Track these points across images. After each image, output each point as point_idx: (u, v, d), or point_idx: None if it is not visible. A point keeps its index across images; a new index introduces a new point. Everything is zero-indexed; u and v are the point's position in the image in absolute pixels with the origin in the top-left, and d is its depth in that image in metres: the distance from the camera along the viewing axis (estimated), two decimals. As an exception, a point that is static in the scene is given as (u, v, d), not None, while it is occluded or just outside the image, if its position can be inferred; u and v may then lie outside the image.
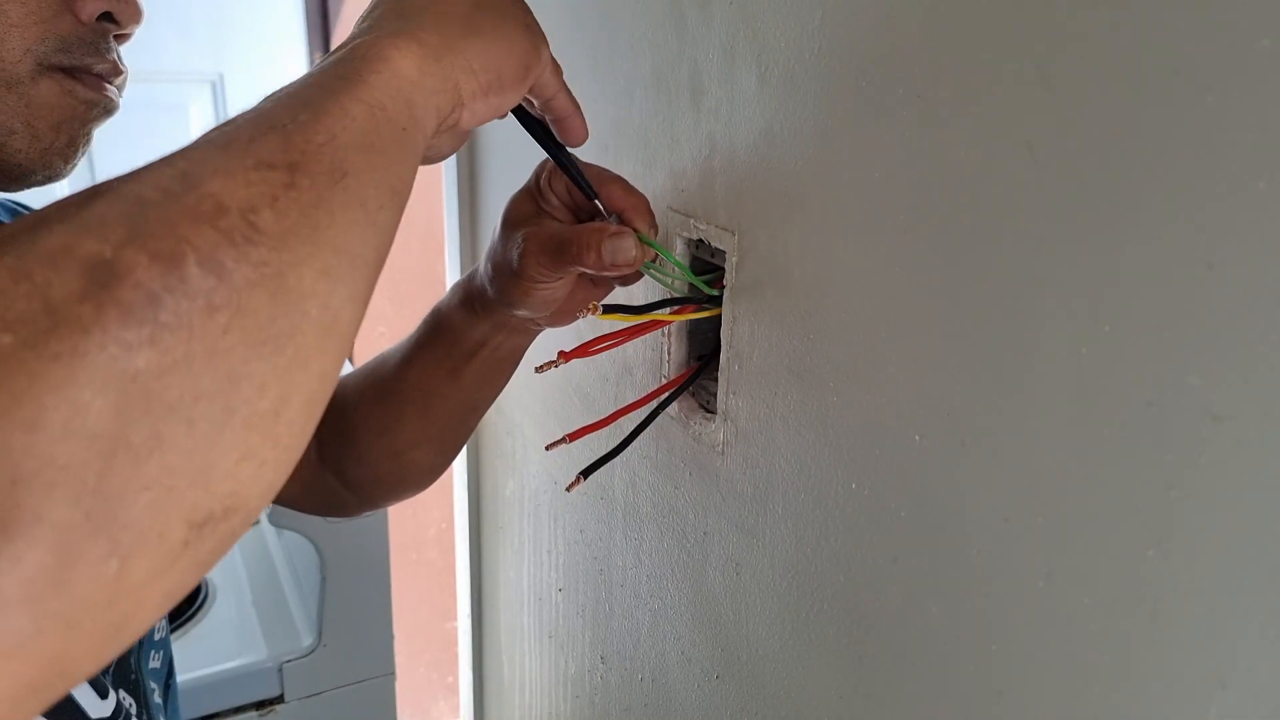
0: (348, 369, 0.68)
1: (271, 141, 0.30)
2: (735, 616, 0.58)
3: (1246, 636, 0.29)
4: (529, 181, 0.55)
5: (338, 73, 0.34)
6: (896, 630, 0.44)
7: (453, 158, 1.01)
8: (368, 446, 0.64)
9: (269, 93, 0.34)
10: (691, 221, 0.57)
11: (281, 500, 0.69)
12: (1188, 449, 0.30)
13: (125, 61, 0.48)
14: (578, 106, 0.51)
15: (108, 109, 0.48)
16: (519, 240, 0.51)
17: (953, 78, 0.38)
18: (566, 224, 0.53)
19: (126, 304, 0.23)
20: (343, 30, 2.15)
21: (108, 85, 0.47)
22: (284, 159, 0.30)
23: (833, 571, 0.48)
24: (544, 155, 0.52)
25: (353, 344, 0.32)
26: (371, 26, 0.38)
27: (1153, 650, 0.32)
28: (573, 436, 0.57)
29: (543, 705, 0.97)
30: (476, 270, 0.57)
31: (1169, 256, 0.30)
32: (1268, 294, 0.27)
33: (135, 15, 0.48)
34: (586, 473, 0.56)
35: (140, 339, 0.23)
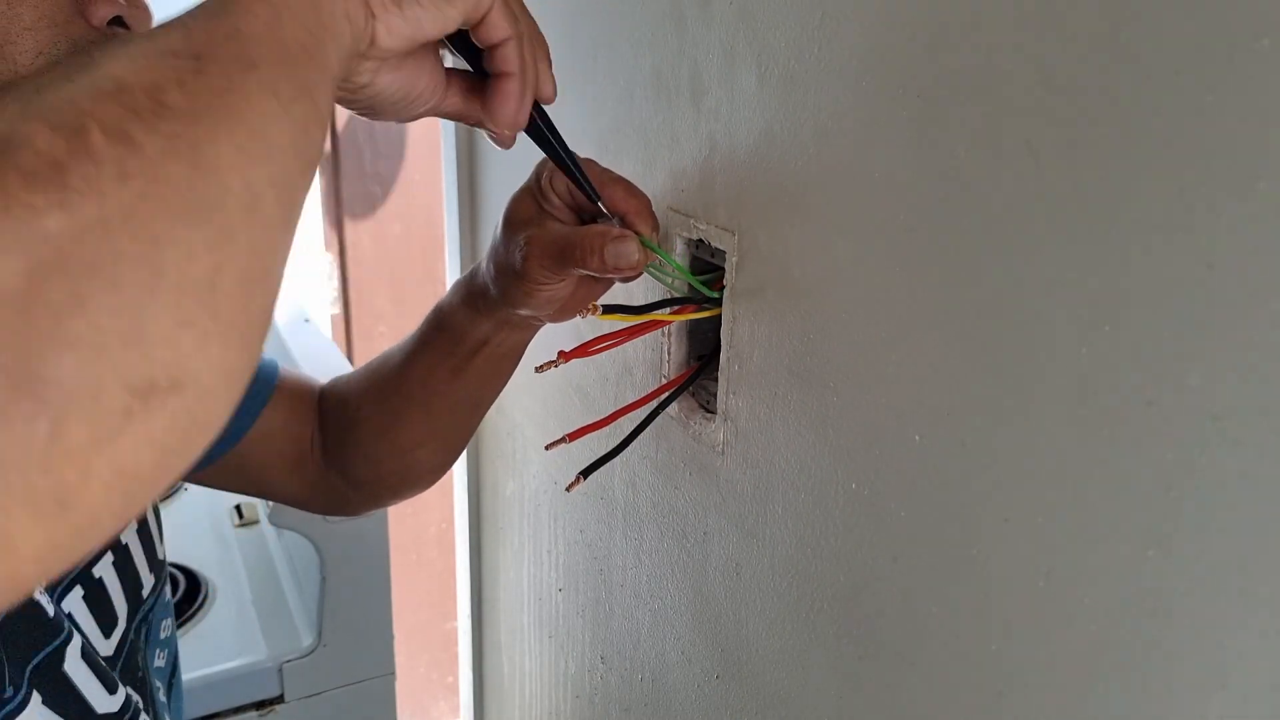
0: (349, 368, 0.69)
1: (175, 34, 0.29)
2: (735, 616, 0.58)
3: (1246, 636, 0.29)
4: (529, 181, 0.55)
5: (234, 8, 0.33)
6: (896, 630, 0.44)
7: (452, 158, 1.01)
8: (373, 445, 0.64)
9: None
10: (691, 221, 0.57)
11: (287, 499, 0.70)
12: (1188, 449, 0.30)
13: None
14: (531, 70, 0.46)
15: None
16: (521, 242, 0.51)
17: (953, 77, 0.38)
18: (569, 225, 0.53)
19: (28, 170, 0.23)
20: (343, 30, 2.15)
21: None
22: (189, 48, 0.29)
23: (833, 571, 0.48)
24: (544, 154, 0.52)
25: (288, 237, 0.31)
26: None
27: (1153, 650, 0.32)
28: (573, 436, 0.57)
29: (543, 705, 0.97)
30: (478, 269, 0.57)
31: (1169, 256, 0.30)
32: (1268, 294, 0.27)
33: (146, 19, 0.47)
34: (586, 473, 0.56)
35: (48, 203, 0.23)
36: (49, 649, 0.42)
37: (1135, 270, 0.31)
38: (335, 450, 0.66)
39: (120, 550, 0.50)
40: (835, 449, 0.47)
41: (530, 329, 0.58)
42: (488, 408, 0.63)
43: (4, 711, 0.40)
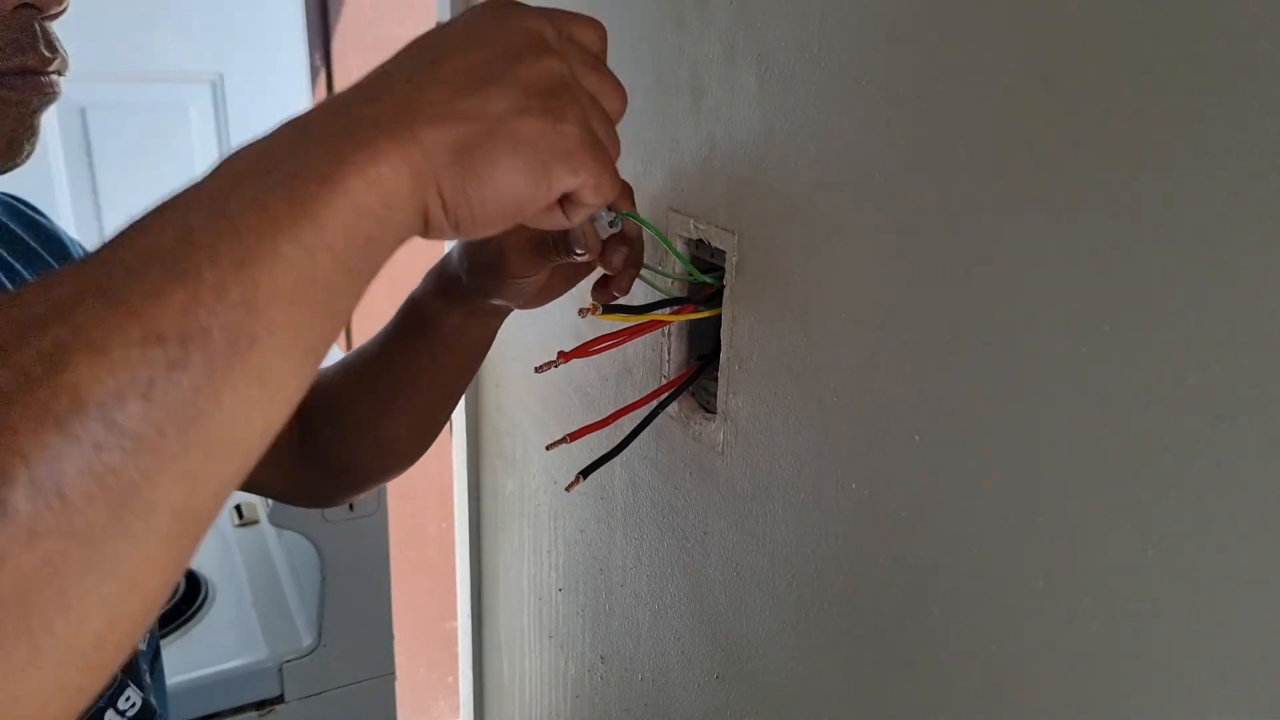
0: (332, 358, 0.69)
1: (175, 300, 0.25)
2: (735, 616, 0.58)
3: (1246, 636, 0.29)
4: None
5: (292, 188, 0.28)
6: (896, 630, 0.44)
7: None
8: (354, 436, 0.65)
9: (227, 157, 0.29)
10: (691, 221, 0.57)
11: (269, 493, 0.70)
12: (1188, 449, 0.30)
13: (63, 43, 0.45)
14: (609, 248, 0.47)
15: (47, 101, 0.45)
16: (503, 242, 0.51)
17: (953, 77, 0.38)
18: None
19: None
20: (343, 30, 2.15)
21: (42, 78, 0.44)
22: (179, 329, 0.24)
23: (833, 571, 0.48)
24: None
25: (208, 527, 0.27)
26: (369, 107, 0.32)
27: (1153, 650, 0.32)
28: (573, 436, 0.57)
29: (543, 705, 0.97)
30: (450, 258, 0.57)
31: (1169, 256, 0.30)
32: (1268, 294, 0.27)
33: (56, 2, 0.44)
34: (586, 472, 0.56)
35: None
36: None
37: (1135, 270, 0.31)
38: (315, 442, 0.67)
39: None
40: (835, 449, 0.47)
41: (500, 316, 0.59)
42: (461, 394, 0.64)
43: None
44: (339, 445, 0.66)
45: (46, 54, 0.43)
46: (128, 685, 0.50)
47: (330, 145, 0.30)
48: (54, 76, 0.45)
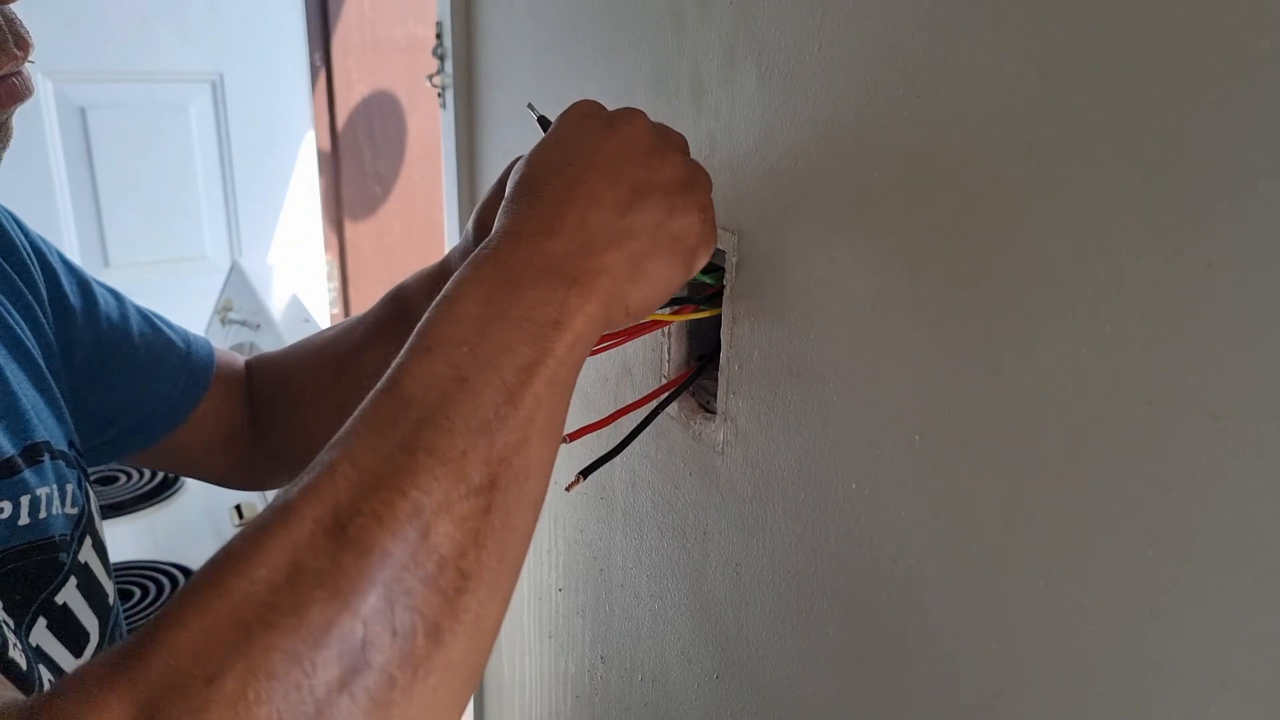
0: (290, 340, 0.69)
1: (480, 450, 0.31)
2: (735, 616, 0.58)
3: (1246, 636, 0.29)
4: (495, 188, 0.56)
5: (530, 336, 0.34)
6: (896, 630, 0.44)
7: (452, 158, 1.01)
8: (317, 426, 0.65)
9: (447, 297, 0.35)
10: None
11: (210, 478, 0.70)
12: (1188, 449, 0.30)
13: (27, 28, 0.41)
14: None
15: (20, 101, 0.43)
16: None
17: (953, 77, 0.38)
18: None
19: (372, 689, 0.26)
20: (343, 30, 2.15)
21: (14, 80, 0.41)
22: (486, 476, 0.31)
23: (833, 571, 0.48)
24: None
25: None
26: (555, 243, 0.38)
27: (1153, 650, 0.32)
28: (572, 437, 0.56)
29: (543, 705, 0.97)
30: (448, 264, 0.58)
31: (1169, 256, 0.30)
32: (1268, 294, 0.27)
33: None
34: (586, 473, 0.56)
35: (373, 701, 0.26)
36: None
37: (1135, 270, 0.31)
38: (270, 429, 0.67)
39: (82, 570, 0.50)
40: (835, 449, 0.47)
41: None
42: None
43: None
44: (301, 433, 0.66)
45: (17, 51, 0.41)
46: None
47: (545, 287, 0.37)
48: (25, 72, 0.42)
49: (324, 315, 2.22)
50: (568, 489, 0.56)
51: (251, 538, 0.28)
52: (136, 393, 0.62)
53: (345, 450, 0.30)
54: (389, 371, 0.34)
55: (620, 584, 0.74)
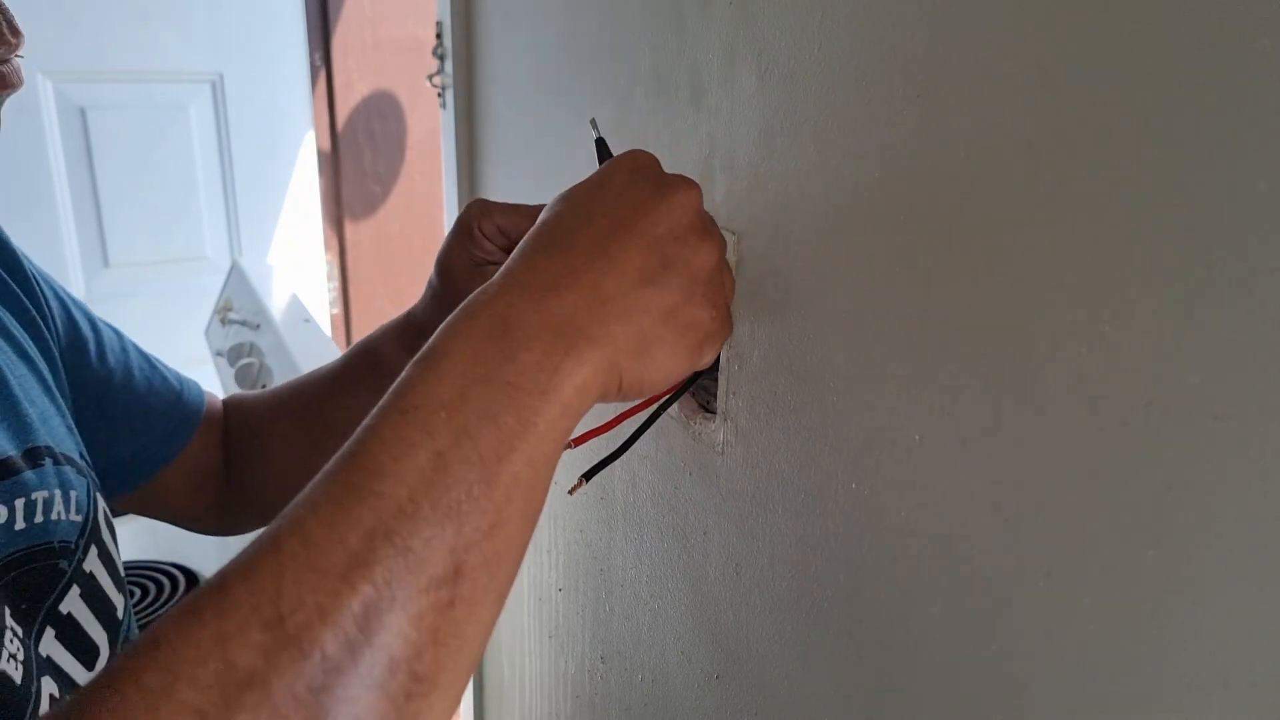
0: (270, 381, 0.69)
1: (446, 537, 0.28)
2: (735, 616, 0.58)
3: (1246, 636, 0.29)
4: (455, 232, 0.56)
5: (516, 405, 0.31)
6: (896, 630, 0.44)
7: (452, 158, 1.01)
8: (286, 471, 0.65)
9: (439, 339, 0.32)
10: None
11: (178, 519, 0.69)
12: (1188, 449, 0.30)
13: (15, 18, 0.42)
14: None
15: (10, 92, 0.42)
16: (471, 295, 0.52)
17: (953, 77, 0.38)
18: None
19: None
20: (343, 30, 2.15)
21: (3, 68, 0.41)
22: (450, 566, 0.28)
23: (833, 571, 0.48)
24: (471, 199, 0.55)
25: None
26: (564, 300, 0.35)
27: (1153, 650, 0.32)
28: (576, 442, 0.56)
29: (543, 705, 0.97)
30: (413, 316, 0.58)
31: (1169, 256, 0.30)
32: (1268, 294, 0.27)
33: None
34: (588, 475, 0.56)
35: None
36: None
37: (1135, 270, 0.31)
38: (242, 472, 0.66)
39: (86, 579, 0.49)
40: (835, 449, 0.47)
41: None
42: None
43: None
44: (268, 481, 0.66)
45: (11, 39, 0.41)
46: None
47: (540, 350, 0.33)
48: (15, 62, 0.42)
49: (324, 315, 2.22)
50: (570, 492, 0.56)
51: (180, 622, 0.25)
52: (134, 428, 0.62)
53: (297, 523, 0.28)
54: (361, 429, 0.31)
55: (620, 584, 0.74)
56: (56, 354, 0.56)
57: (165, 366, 0.67)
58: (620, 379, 0.37)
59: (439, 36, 1.00)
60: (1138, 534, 0.32)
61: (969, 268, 0.38)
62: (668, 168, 0.59)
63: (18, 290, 0.54)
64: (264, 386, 1.20)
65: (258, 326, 1.33)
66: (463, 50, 0.97)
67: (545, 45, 0.78)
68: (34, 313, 0.54)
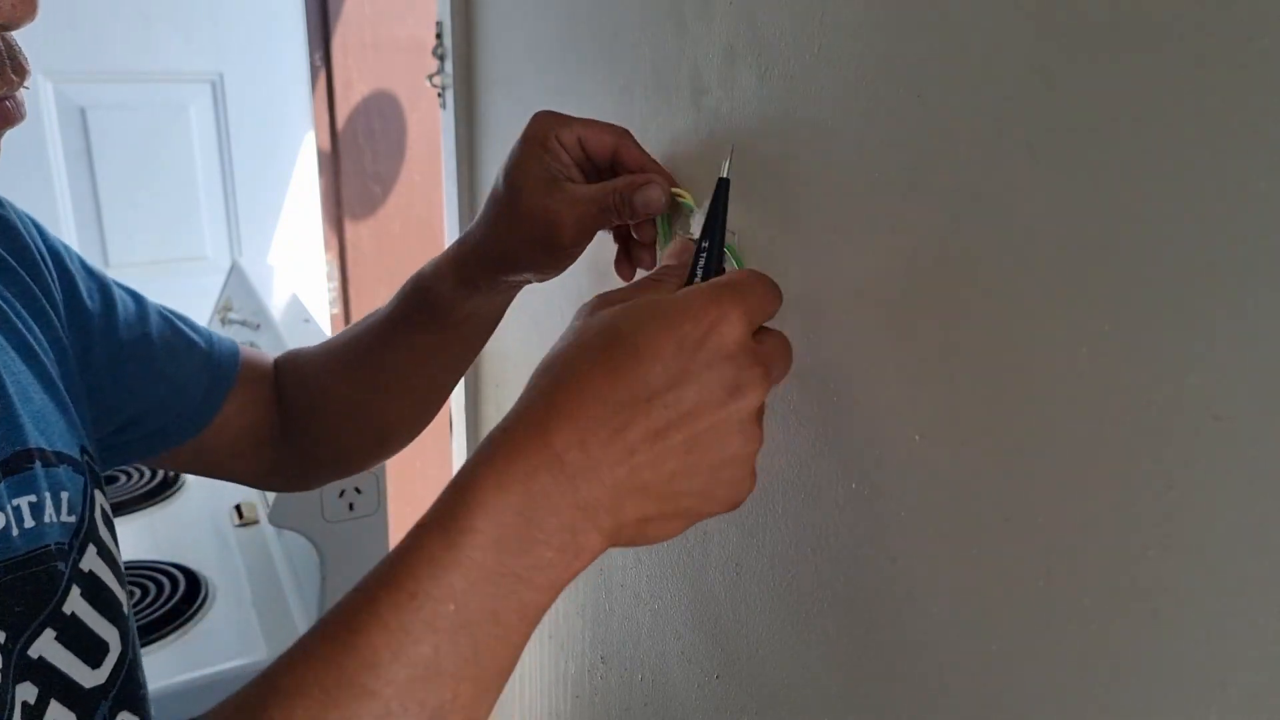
0: (318, 337, 0.68)
1: None
2: (735, 616, 0.58)
3: (1246, 636, 0.29)
4: (527, 146, 0.53)
5: (523, 601, 0.32)
6: (896, 630, 0.44)
7: (452, 158, 1.01)
8: (346, 423, 0.64)
9: (461, 541, 0.31)
10: (692, 221, 0.57)
11: (243, 479, 0.69)
12: (1188, 449, 0.30)
13: (23, 52, 0.41)
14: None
15: (7, 122, 0.42)
16: (555, 214, 0.51)
17: (953, 77, 0.38)
18: (581, 182, 0.53)
19: None
20: (343, 30, 2.15)
21: (8, 103, 0.40)
22: None
23: (833, 571, 0.48)
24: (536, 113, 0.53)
25: None
26: (590, 487, 0.34)
27: (1153, 650, 0.32)
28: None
29: (543, 705, 0.97)
30: (470, 240, 0.56)
31: (1169, 256, 0.30)
32: (1268, 294, 0.27)
33: (21, 12, 0.38)
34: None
35: None
36: None
37: (1135, 270, 0.31)
38: (299, 429, 0.66)
39: (86, 578, 0.48)
40: (835, 449, 0.47)
41: (516, 290, 0.59)
42: (467, 368, 0.64)
43: None
44: (329, 436, 0.65)
45: (13, 76, 0.40)
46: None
47: (557, 548, 0.33)
48: (19, 95, 0.42)
49: (324, 315, 2.22)
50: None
51: None
52: (158, 395, 0.61)
53: (285, 703, 0.28)
54: (361, 594, 0.31)
55: (620, 584, 0.74)
56: (63, 335, 0.55)
57: (196, 328, 0.65)
58: (613, 545, 0.37)
59: (439, 36, 1.00)
60: (1138, 534, 0.32)
61: (968, 267, 0.38)
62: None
63: (26, 277, 0.54)
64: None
65: (258, 326, 1.33)
66: (463, 50, 0.96)
67: (545, 45, 0.77)
68: (43, 300, 0.54)
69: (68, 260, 0.59)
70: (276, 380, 0.68)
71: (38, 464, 0.47)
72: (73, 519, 0.48)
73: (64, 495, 0.48)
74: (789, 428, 0.50)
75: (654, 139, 0.61)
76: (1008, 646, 0.38)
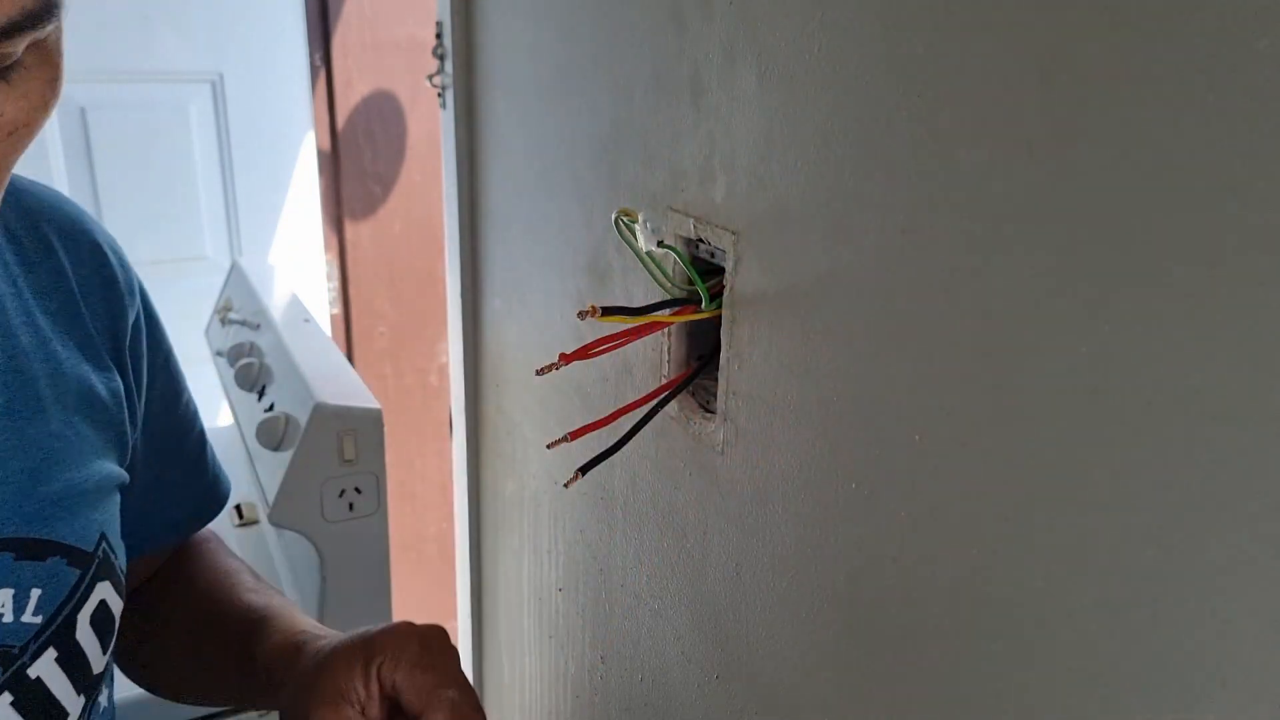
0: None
1: None
2: (735, 616, 0.58)
3: (1246, 636, 0.29)
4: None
5: None
6: (896, 630, 0.44)
7: (452, 158, 1.01)
8: (170, 659, 0.63)
9: None
10: (691, 222, 0.57)
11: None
12: (1188, 449, 0.30)
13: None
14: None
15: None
16: None
17: (952, 78, 0.38)
18: None
19: None
20: (343, 30, 2.15)
21: None
22: None
23: (833, 571, 0.48)
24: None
25: None
26: None
27: (1153, 650, 0.32)
28: (574, 435, 0.57)
29: (543, 705, 0.97)
30: (278, 652, 0.55)
31: (1169, 255, 0.30)
32: (1268, 294, 0.27)
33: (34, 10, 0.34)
34: (585, 469, 0.56)
35: None
36: None
37: (1135, 270, 0.31)
38: (137, 620, 0.63)
39: (26, 686, 0.45)
40: (835, 449, 0.47)
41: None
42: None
43: None
44: (153, 646, 0.64)
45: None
46: None
47: None
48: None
49: (324, 315, 2.22)
50: (565, 485, 0.56)
51: None
52: (157, 495, 0.60)
53: None
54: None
55: (620, 584, 0.74)
56: (130, 437, 0.54)
57: (213, 456, 0.66)
58: None
59: (439, 36, 1.00)
60: (1138, 534, 0.32)
61: (968, 267, 0.38)
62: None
63: (124, 362, 0.53)
64: (264, 388, 1.20)
65: (258, 326, 1.33)
66: (463, 50, 0.96)
67: (545, 45, 0.78)
68: (127, 383, 0.54)
69: (165, 350, 0.59)
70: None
71: (9, 556, 0.44)
72: (38, 619, 0.45)
73: (34, 592, 0.45)
74: (789, 427, 0.51)
75: (654, 139, 0.61)
76: (1008, 646, 0.38)
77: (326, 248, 2.26)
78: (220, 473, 0.67)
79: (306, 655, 0.53)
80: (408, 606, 1.88)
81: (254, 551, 1.28)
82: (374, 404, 1.06)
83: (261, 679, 0.55)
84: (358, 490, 1.08)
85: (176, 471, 0.62)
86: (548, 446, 0.57)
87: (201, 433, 0.65)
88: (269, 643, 0.56)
